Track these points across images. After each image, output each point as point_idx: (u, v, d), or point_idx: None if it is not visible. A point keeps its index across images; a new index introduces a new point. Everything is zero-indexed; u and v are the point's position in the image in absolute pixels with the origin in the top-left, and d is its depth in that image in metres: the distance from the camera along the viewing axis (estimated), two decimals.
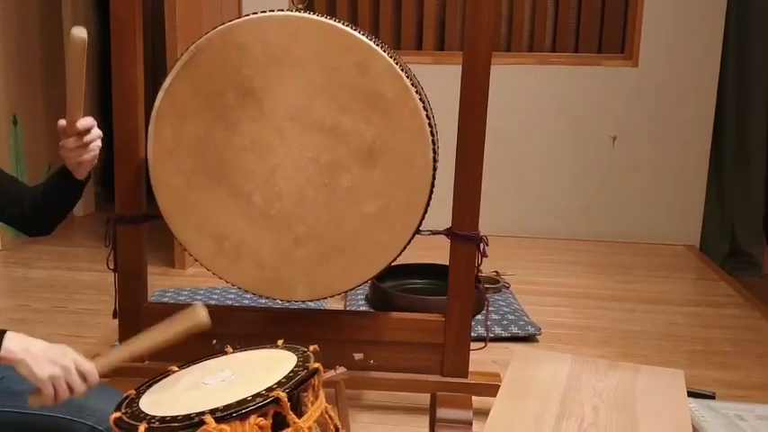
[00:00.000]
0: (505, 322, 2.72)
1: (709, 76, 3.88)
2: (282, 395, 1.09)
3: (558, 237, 4.05)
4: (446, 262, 2.00)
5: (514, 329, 2.69)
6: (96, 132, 1.40)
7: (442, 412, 1.93)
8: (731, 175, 4.00)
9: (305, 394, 1.17)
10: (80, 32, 1.26)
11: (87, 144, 1.39)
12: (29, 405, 1.21)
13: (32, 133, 3.92)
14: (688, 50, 3.85)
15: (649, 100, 3.92)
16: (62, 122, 1.38)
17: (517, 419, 1.37)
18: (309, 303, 2.54)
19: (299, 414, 1.14)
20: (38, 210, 1.52)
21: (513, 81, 3.82)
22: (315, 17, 1.78)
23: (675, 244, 3.98)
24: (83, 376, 1.19)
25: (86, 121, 1.38)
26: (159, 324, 1.30)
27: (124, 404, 1.18)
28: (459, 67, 1.88)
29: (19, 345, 1.18)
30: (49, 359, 1.18)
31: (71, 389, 1.18)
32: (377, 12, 4.06)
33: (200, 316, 1.26)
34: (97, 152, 1.43)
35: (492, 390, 1.98)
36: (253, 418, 1.06)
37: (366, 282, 2.00)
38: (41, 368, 1.16)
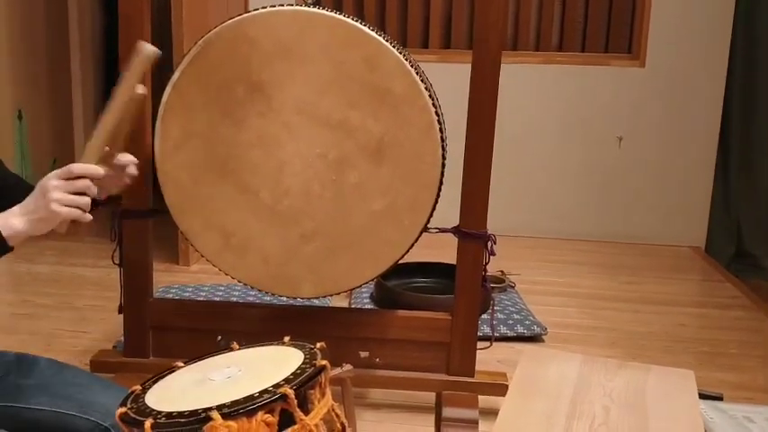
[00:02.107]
0: (511, 322, 2.70)
1: (716, 76, 3.86)
2: (290, 392, 1.07)
3: (563, 237, 4.04)
4: (451, 260, 1.99)
5: (520, 329, 2.67)
6: (132, 171, 1.42)
7: (447, 411, 1.92)
8: (737, 177, 3.98)
9: (312, 392, 1.16)
10: (150, 50, 1.32)
11: (120, 178, 1.41)
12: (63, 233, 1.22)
13: (37, 128, 3.91)
14: (695, 51, 3.84)
15: (656, 100, 3.91)
16: (106, 149, 1.37)
17: (527, 419, 1.36)
18: (314, 301, 2.53)
19: (306, 411, 1.12)
20: None
21: (519, 80, 3.81)
22: (325, 12, 1.76)
23: (681, 245, 3.97)
24: (78, 176, 1.20)
25: (127, 158, 1.39)
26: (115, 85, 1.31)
27: (130, 399, 1.16)
28: (466, 66, 1.86)
29: (19, 219, 1.18)
30: (44, 199, 1.18)
31: (82, 193, 1.19)
32: (383, 9, 4.05)
33: (145, 49, 1.27)
34: (124, 187, 1.43)
35: (498, 389, 1.97)
36: (260, 415, 1.05)
37: (373, 279, 1.99)
38: (49, 212, 1.17)
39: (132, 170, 1.42)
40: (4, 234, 1.18)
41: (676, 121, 3.91)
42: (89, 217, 1.22)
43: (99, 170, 1.24)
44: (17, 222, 1.18)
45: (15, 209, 1.21)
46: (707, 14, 3.80)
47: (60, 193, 1.18)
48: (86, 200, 1.20)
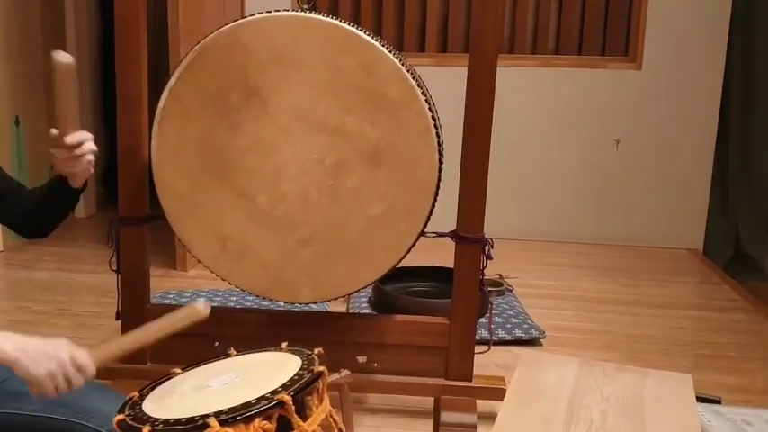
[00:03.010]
0: (509, 325, 2.70)
1: (713, 79, 3.86)
2: (287, 398, 1.07)
3: (560, 240, 4.03)
4: (448, 264, 1.99)
5: (518, 333, 2.67)
6: (88, 147, 1.38)
7: (446, 416, 1.92)
8: (735, 179, 3.99)
9: (310, 398, 1.15)
10: (66, 58, 1.30)
11: (77, 157, 1.37)
12: (30, 393, 1.19)
13: (34, 134, 3.90)
14: (692, 53, 3.84)
15: (653, 103, 3.91)
16: (54, 132, 1.36)
17: (525, 423, 1.36)
18: (312, 306, 2.53)
19: (304, 417, 1.12)
20: (36, 213, 1.52)
21: (515, 83, 3.81)
22: (321, 17, 1.77)
23: (679, 248, 3.97)
24: (79, 368, 1.18)
25: (76, 137, 1.35)
26: (159, 319, 1.29)
27: (127, 406, 1.16)
28: (462, 70, 1.86)
29: (13, 345, 1.17)
30: (45, 355, 1.17)
31: (69, 382, 1.17)
32: (379, 14, 4.05)
33: (199, 311, 1.27)
34: (89, 165, 1.40)
35: (496, 393, 1.97)
36: (257, 421, 1.05)
37: (371, 284, 1.99)
38: (37, 366, 1.15)
39: (87, 147, 1.38)
40: None
41: (674, 123, 3.92)
42: (50, 392, 1.19)
43: (93, 375, 1.23)
44: (7, 347, 1.17)
45: (18, 339, 1.19)
46: (704, 16, 3.81)
47: (58, 372, 1.17)
48: (66, 388, 1.18)
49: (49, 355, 1.17)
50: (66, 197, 1.49)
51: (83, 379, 1.19)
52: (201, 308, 1.29)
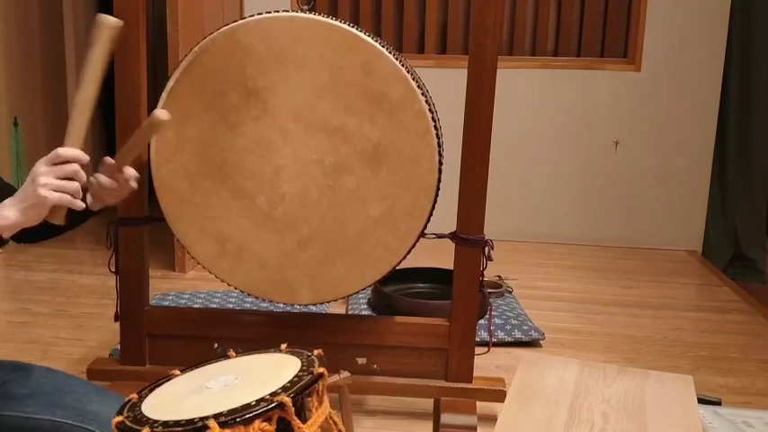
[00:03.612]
0: (509, 327, 2.70)
1: (712, 81, 3.87)
2: (287, 400, 1.07)
3: (560, 241, 4.03)
4: (448, 266, 1.99)
5: (518, 334, 2.67)
6: (134, 185, 1.42)
7: (445, 417, 1.91)
8: (734, 181, 3.99)
9: (309, 399, 1.15)
10: (164, 116, 1.35)
11: (122, 190, 1.40)
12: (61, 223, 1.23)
13: (33, 135, 3.90)
14: (691, 55, 3.84)
15: (652, 105, 3.91)
16: (109, 160, 1.37)
17: (526, 425, 1.35)
18: (311, 307, 2.52)
19: (304, 419, 1.12)
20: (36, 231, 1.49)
21: (515, 85, 3.81)
22: (321, 18, 1.76)
23: (678, 249, 3.97)
24: (64, 161, 1.20)
25: (132, 172, 1.39)
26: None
27: (126, 408, 1.16)
28: (461, 71, 1.86)
29: (8, 210, 1.18)
30: (31, 187, 1.18)
31: (69, 179, 1.19)
32: (378, 15, 4.05)
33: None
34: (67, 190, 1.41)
35: (496, 395, 1.96)
36: (257, 423, 1.04)
37: (371, 285, 1.98)
38: (33, 197, 1.17)
39: (133, 184, 1.42)
40: None
41: (673, 124, 3.92)
42: (81, 204, 1.22)
43: (85, 156, 1.23)
44: (9, 213, 1.18)
45: (7, 201, 1.21)
46: (703, 18, 3.81)
47: (48, 179, 1.18)
48: (75, 185, 1.20)
49: (35, 182, 1.18)
50: (80, 220, 1.46)
51: (78, 167, 1.21)
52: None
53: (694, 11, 3.80)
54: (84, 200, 1.39)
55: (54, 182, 1.18)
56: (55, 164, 1.20)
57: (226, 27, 1.78)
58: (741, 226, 3.99)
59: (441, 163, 1.81)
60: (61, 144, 1.26)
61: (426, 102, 1.77)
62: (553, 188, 4.05)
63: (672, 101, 3.89)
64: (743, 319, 3.01)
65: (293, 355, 1.27)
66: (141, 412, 1.13)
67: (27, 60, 3.88)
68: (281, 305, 2.02)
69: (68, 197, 1.19)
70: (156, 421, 1.08)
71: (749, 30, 3.83)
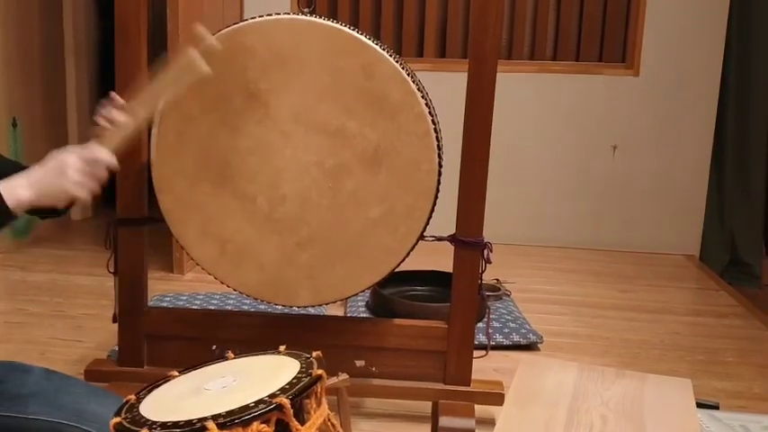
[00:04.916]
0: (507, 330, 2.70)
1: (710, 85, 3.88)
2: (286, 402, 1.07)
3: (558, 245, 4.04)
4: (447, 269, 1.99)
5: (516, 337, 2.67)
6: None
7: (443, 420, 1.91)
8: (732, 186, 3.99)
9: (308, 401, 1.15)
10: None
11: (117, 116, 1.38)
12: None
13: (32, 136, 3.89)
14: (689, 60, 3.85)
15: (650, 109, 3.92)
16: (118, 98, 1.36)
17: (525, 428, 1.35)
18: (310, 309, 2.52)
19: (302, 421, 1.12)
20: None
21: (513, 89, 3.81)
22: (322, 21, 1.76)
23: (675, 254, 3.97)
24: (95, 163, 1.21)
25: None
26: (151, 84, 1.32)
27: (124, 409, 1.15)
28: (460, 75, 1.86)
29: (29, 188, 1.17)
30: (57, 175, 1.18)
31: (95, 178, 1.21)
32: (378, 18, 4.06)
33: (193, 60, 1.29)
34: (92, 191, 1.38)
35: (495, 398, 1.96)
36: (255, 425, 1.04)
37: (370, 286, 1.98)
38: (59, 188, 1.17)
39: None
40: (9, 205, 1.16)
41: (671, 129, 3.93)
42: (89, 199, 1.23)
43: (117, 166, 1.24)
44: (24, 194, 1.18)
45: (23, 179, 1.19)
46: (701, 23, 3.82)
47: (82, 177, 1.19)
48: (97, 187, 1.22)
49: (67, 175, 1.17)
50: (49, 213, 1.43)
51: (105, 170, 1.22)
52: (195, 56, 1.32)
53: (693, 16, 3.82)
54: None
55: (87, 182, 1.19)
56: (88, 163, 1.19)
57: (227, 29, 1.78)
58: (738, 231, 4.00)
59: (440, 165, 1.81)
60: (63, 144, 1.26)
61: (426, 104, 1.78)
62: (551, 192, 4.06)
63: (670, 106, 3.90)
64: (740, 324, 3.02)
65: (292, 356, 1.27)
66: (139, 413, 1.12)
67: (26, 60, 3.88)
68: (280, 307, 2.01)
69: (85, 196, 1.20)
70: (154, 422, 1.07)
71: (747, 34, 3.84)
